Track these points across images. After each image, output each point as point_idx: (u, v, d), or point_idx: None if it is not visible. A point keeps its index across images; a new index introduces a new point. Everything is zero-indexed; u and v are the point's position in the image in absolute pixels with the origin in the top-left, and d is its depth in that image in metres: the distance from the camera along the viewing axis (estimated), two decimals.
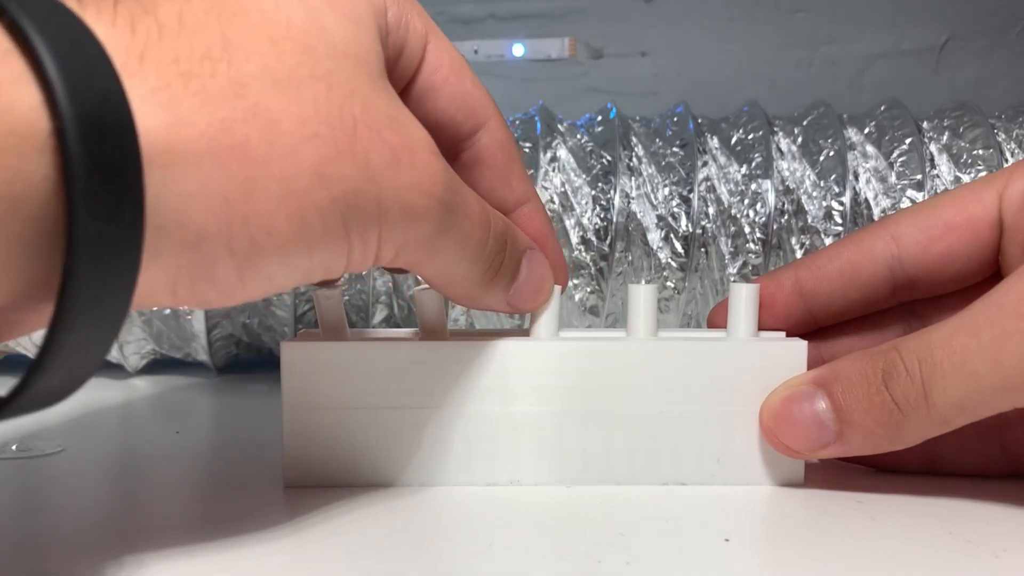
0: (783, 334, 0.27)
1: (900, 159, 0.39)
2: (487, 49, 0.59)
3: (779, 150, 0.40)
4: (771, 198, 0.39)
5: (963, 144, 0.39)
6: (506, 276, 0.24)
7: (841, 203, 0.39)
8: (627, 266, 0.39)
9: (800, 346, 0.25)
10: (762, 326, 0.27)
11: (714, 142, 0.40)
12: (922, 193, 0.38)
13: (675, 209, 0.39)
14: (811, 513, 0.24)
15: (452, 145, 0.25)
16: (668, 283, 0.39)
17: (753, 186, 0.39)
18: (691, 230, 0.39)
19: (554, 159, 0.39)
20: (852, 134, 0.40)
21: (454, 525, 0.23)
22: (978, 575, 0.20)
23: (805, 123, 0.41)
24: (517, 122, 0.42)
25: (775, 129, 0.41)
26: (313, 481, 0.25)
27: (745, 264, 0.39)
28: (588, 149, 0.40)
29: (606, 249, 0.39)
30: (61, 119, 0.15)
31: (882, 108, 0.42)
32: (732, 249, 0.39)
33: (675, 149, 0.40)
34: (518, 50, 0.59)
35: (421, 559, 0.20)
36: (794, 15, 0.58)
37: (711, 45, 0.59)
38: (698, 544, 0.21)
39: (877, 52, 0.58)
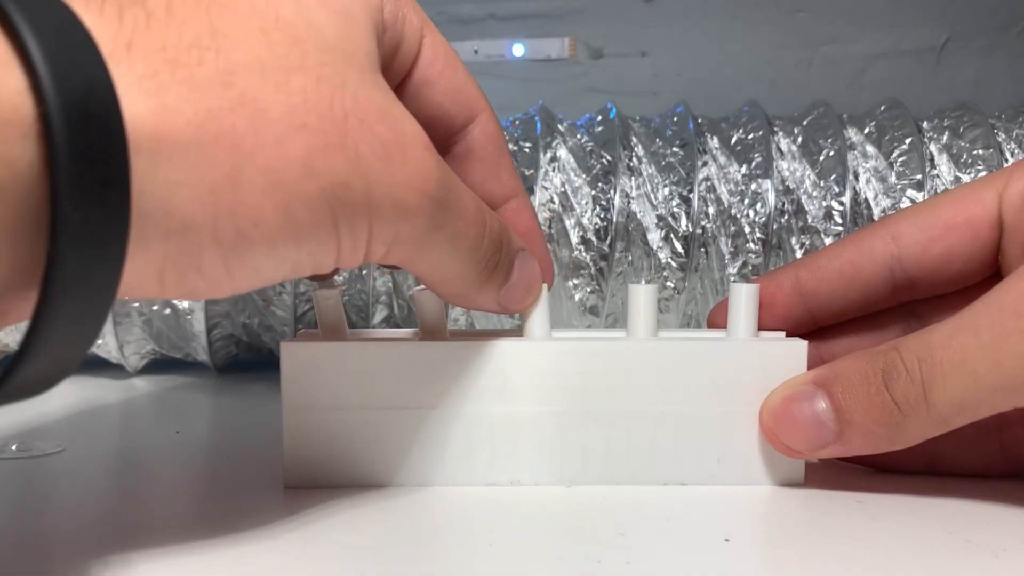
0: (783, 334, 0.27)
1: (900, 159, 0.39)
2: (487, 49, 0.59)
3: (779, 150, 0.40)
4: (771, 198, 0.39)
5: (963, 144, 0.39)
6: (500, 277, 0.24)
7: (841, 203, 0.39)
8: (627, 266, 0.39)
9: (800, 346, 0.25)
10: (762, 326, 0.27)
11: (714, 142, 0.40)
12: (922, 193, 0.38)
13: (675, 209, 0.39)
14: (811, 513, 0.24)
15: (445, 138, 0.25)
16: (668, 283, 0.39)
17: (753, 186, 0.39)
18: (691, 230, 0.39)
19: (554, 159, 0.39)
20: (852, 134, 0.40)
21: (454, 525, 0.23)
22: (978, 575, 0.20)
23: (805, 123, 0.41)
24: (517, 122, 0.42)
25: (775, 129, 0.41)
26: (313, 481, 0.25)
27: (745, 264, 0.39)
28: (588, 149, 0.40)
29: (606, 249, 0.39)
30: (46, 104, 0.15)
31: (882, 108, 0.42)
32: (732, 249, 0.39)
33: (675, 149, 0.40)
34: (518, 50, 0.59)
35: (421, 559, 0.20)
36: (794, 15, 0.58)
37: (711, 45, 0.59)
38: (698, 544, 0.21)
39: (877, 52, 0.58)
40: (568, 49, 0.59)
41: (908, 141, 0.39)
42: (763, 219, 0.39)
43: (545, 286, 0.26)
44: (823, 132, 0.40)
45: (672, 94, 0.58)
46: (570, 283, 0.39)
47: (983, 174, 0.38)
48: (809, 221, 0.39)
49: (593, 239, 0.39)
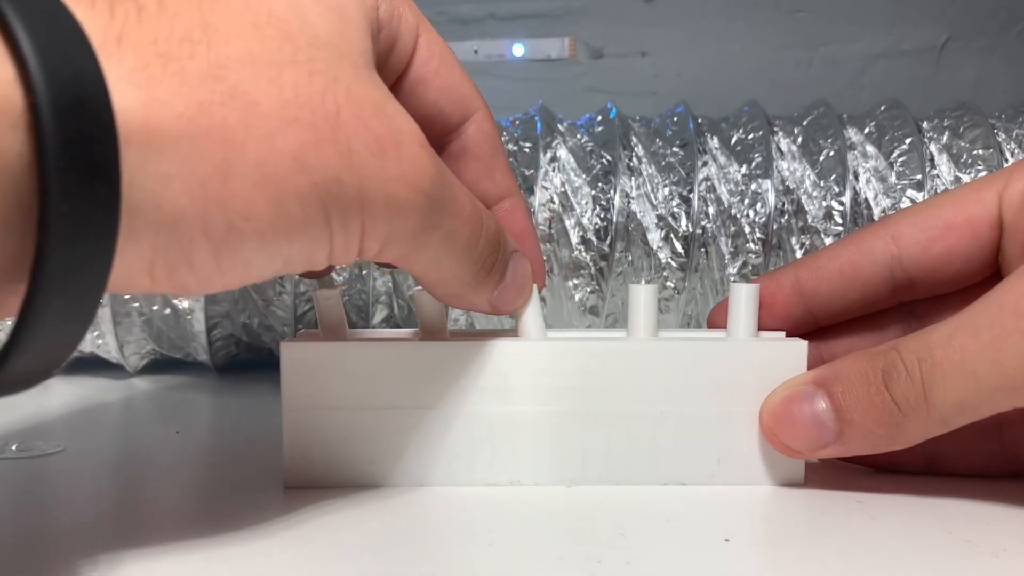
0: (783, 334, 0.27)
1: (900, 159, 0.39)
2: (487, 49, 0.59)
3: (779, 150, 0.40)
4: (771, 198, 0.39)
5: (963, 144, 0.39)
6: (496, 277, 0.24)
7: (841, 203, 0.39)
8: (627, 266, 0.39)
9: (800, 346, 0.25)
10: (762, 326, 0.27)
11: (714, 142, 0.40)
12: (922, 193, 0.38)
13: (675, 209, 0.39)
14: (811, 513, 0.24)
15: (440, 136, 0.25)
16: (668, 283, 0.39)
17: (753, 186, 0.39)
18: (691, 230, 0.39)
19: (554, 159, 0.39)
20: (852, 134, 0.40)
21: (454, 525, 0.23)
22: (978, 575, 0.20)
23: (805, 123, 0.41)
24: (517, 122, 0.42)
25: (775, 129, 0.41)
26: (313, 481, 0.25)
27: (745, 264, 0.39)
28: (588, 149, 0.40)
29: (606, 249, 0.39)
30: (35, 95, 0.15)
31: (882, 108, 0.42)
32: (732, 249, 0.39)
33: (675, 149, 0.40)
34: (518, 50, 0.59)
35: (421, 559, 0.20)
36: (794, 15, 0.58)
37: (711, 45, 0.59)
38: (698, 544, 0.21)
39: (877, 52, 0.58)
40: (568, 49, 0.59)
41: (908, 141, 0.39)
42: (763, 219, 0.39)
43: (536, 287, 0.26)
44: (823, 132, 0.40)
45: (672, 94, 0.58)
46: (570, 283, 0.39)
47: (983, 174, 0.38)
48: (809, 221, 0.39)
49: (593, 239, 0.39)
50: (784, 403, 0.24)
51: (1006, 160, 0.39)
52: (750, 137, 0.40)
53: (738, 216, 0.39)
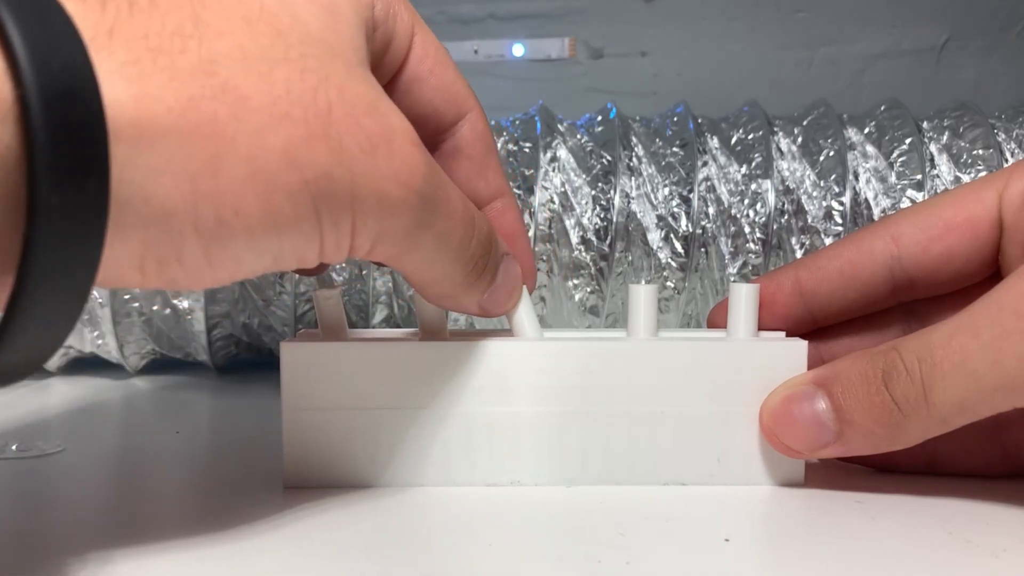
0: (783, 334, 0.27)
1: (900, 159, 0.39)
2: (487, 49, 0.59)
3: (779, 150, 0.40)
4: (771, 198, 0.39)
5: (963, 144, 0.39)
6: (487, 279, 0.24)
7: (841, 203, 0.39)
8: (627, 266, 0.39)
9: (800, 346, 0.25)
10: (762, 326, 0.27)
11: (714, 142, 0.40)
12: (922, 193, 0.38)
13: (675, 209, 0.39)
14: (811, 513, 0.24)
15: (434, 135, 0.25)
16: (668, 283, 0.39)
17: (753, 186, 0.39)
18: (691, 230, 0.39)
19: (554, 159, 0.39)
20: (852, 134, 0.40)
21: (454, 525, 0.23)
22: (978, 575, 0.20)
23: (805, 123, 0.41)
24: (517, 122, 0.42)
25: (775, 129, 0.41)
26: (313, 481, 0.25)
27: (745, 264, 0.39)
28: (588, 149, 0.40)
29: (606, 249, 0.39)
30: (24, 87, 0.14)
31: (882, 108, 0.42)
32: (732, 249, 0.39)
33: (675, 149, 0.40)
34: (518, 50, 0.59)
35: (421, 559, 0.20)
36: (794, 15, 0.58)
37: (711, 45, 0.59)
38: (698, 544, 0.21)
39: (877, 52, 0.58)
40: (568, 49, 0.59)
41: (908, 141, 0.39)
42: (763, 219, 0.39)
43: (526, 287, 0.26)
44: (823, 132, 0.40)
45: (672, 94, 0.58)
46: (570, 283, 0.39)
47: (983, 174, 0.38)
48: (809, 221, 0.39)
49: (593, 239, 0.39)
50: (784, 403, 0.24)
51: (1006, 160, 0.39)
52: (750, 137, 0.40)
53: (738, 216, 0.39)
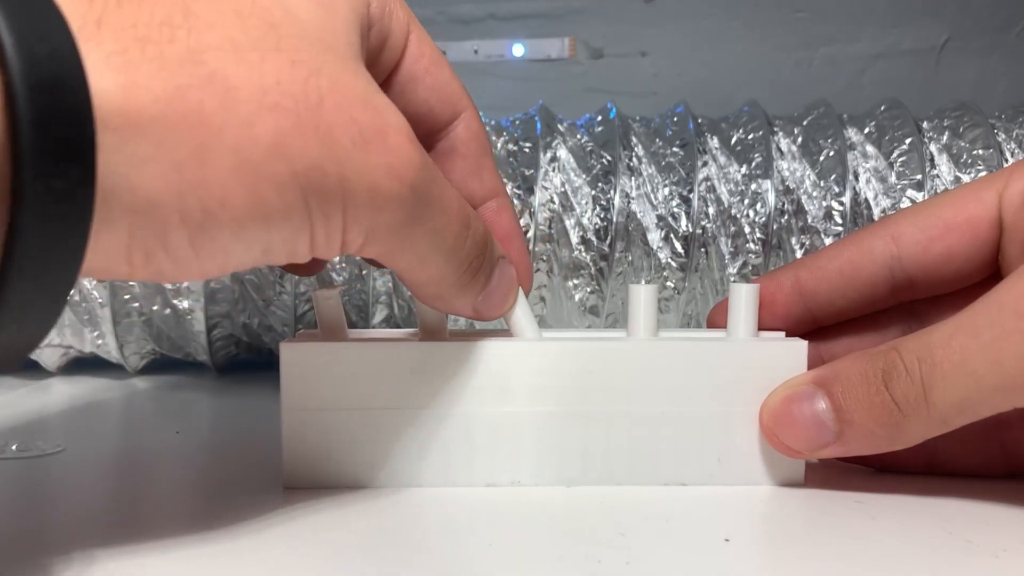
0: (783, 334, 0.27)
1: (900, 159, 0.39)
2: (487, 49, 0.59)
3: (779, 150, 0.40)
4: (771, 198, 0.39)
5: (963, 144, 0.39)
6: (481, 280, 0.24)
7: (841, 203, 0.39)
8: (627, 266, 0.39)
9: (800, 346, 0.25)
10: (762, 326, 0.27)
11: (714, 142, 0.40)
12: (922, 193, 0.38)
13: (675, 209, 0.39)
14: (811, 513, 0.24)
15: (429, 135, 0.25)
16: (668, 283, 0.39)
17: (753, 186, 0.39)
18: (691, 230, 0.39)
19: (554, 159, 0.39)
20: (852, 134, 0.40)
21: (454, 525, 0.23)
22: (978, 575, 0.20)
23: (805, 123, 0.41)
24: (517, 122, 0.42)
25: (775, 129, 0.41)
26: (312, 482, 0.25)
27: (745, 264, 0.39)
28: (588, 149, 0.40)
29: (606, 249, 0.39)
30: (9, 74, 0.14)
31: (882, 108, 0.42)
32: (732, 249, 0.39)
33: (675, 149, 0.40)
34: (518, 50, 0.59)
35: (421, 560, 0.20)
36: (794, 15, 0.58)
37: (711, 45, 0.59)
38: (698, 544, 0.21)
39: (877, 52, 0.58)
40: (568, 49, 0.59)
41: (908, 141, 0.39)
42: (763, 219, 0.39)
43: (521, 289, 0.26)
44: (823, 132, 0.40)
45: (672, 94, 0.58)
46: (570, 283, 0.39)
47: (983, 174, 0.38)
48: (809, 221, 0.39)
49: (593, 239, 0.39)
50: (784, 403, 0.24)
51: (1006, 160, 0.39)
52: (750, 137, 0.40)
53: (738, 216, 0.39)
